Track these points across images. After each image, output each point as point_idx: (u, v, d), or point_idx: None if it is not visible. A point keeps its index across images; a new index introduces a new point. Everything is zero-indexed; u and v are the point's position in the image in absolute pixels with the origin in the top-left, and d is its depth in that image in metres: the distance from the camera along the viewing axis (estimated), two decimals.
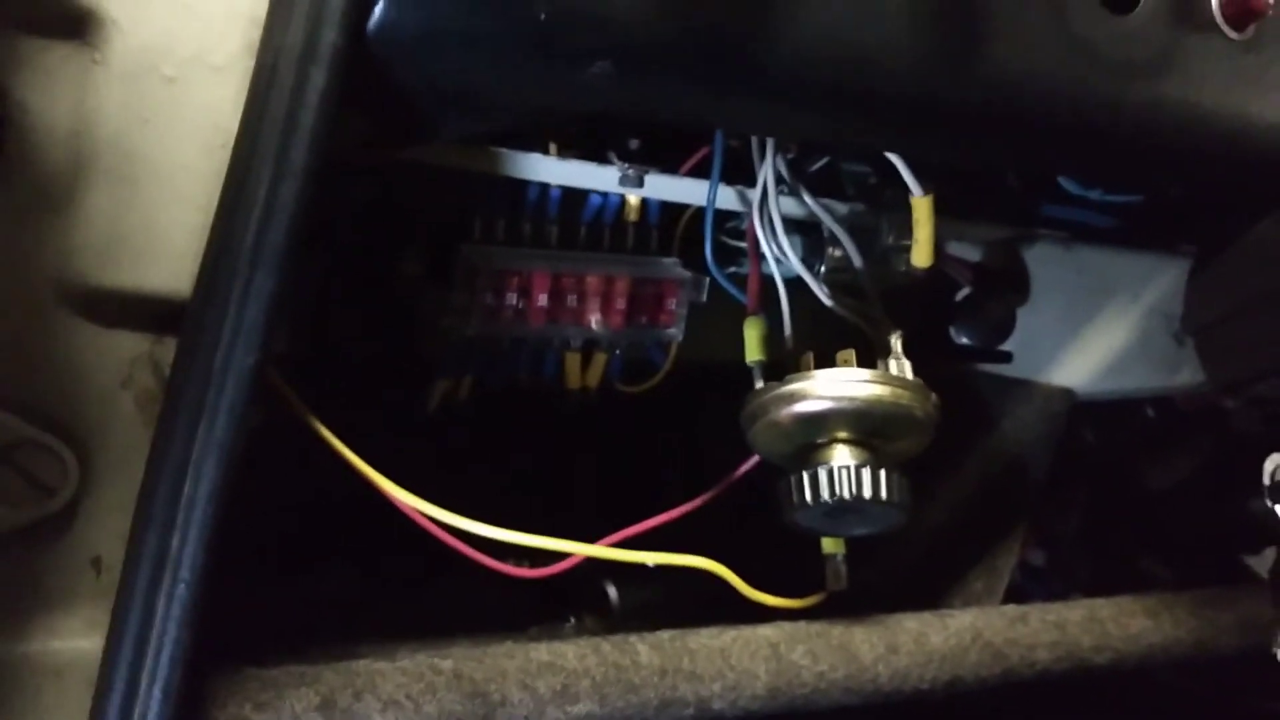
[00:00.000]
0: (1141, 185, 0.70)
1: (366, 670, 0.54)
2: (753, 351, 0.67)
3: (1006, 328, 0.87)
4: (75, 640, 0.47)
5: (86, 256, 0.45)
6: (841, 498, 0.61)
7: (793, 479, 0.63)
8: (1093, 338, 0.83)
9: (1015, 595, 0.88)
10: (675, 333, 0.74)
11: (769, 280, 0.69)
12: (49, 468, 0.45)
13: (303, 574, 0.58)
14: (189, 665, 0.46)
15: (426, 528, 0.58)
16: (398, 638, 0.61)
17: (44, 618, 0.47)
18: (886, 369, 0.64)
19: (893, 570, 0.84)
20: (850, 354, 0.64)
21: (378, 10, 0.44)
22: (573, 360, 0.74)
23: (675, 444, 0.77)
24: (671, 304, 0.74)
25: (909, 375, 0.64)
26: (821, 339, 0.66)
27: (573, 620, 0.74)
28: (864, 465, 0.62)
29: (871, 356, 0.65)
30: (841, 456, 0.63)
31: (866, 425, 0.63)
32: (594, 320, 0.72)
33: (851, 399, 0.62)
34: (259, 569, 0.54)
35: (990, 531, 0.88)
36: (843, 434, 0.63)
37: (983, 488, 0.88)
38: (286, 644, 0.55)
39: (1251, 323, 0.73)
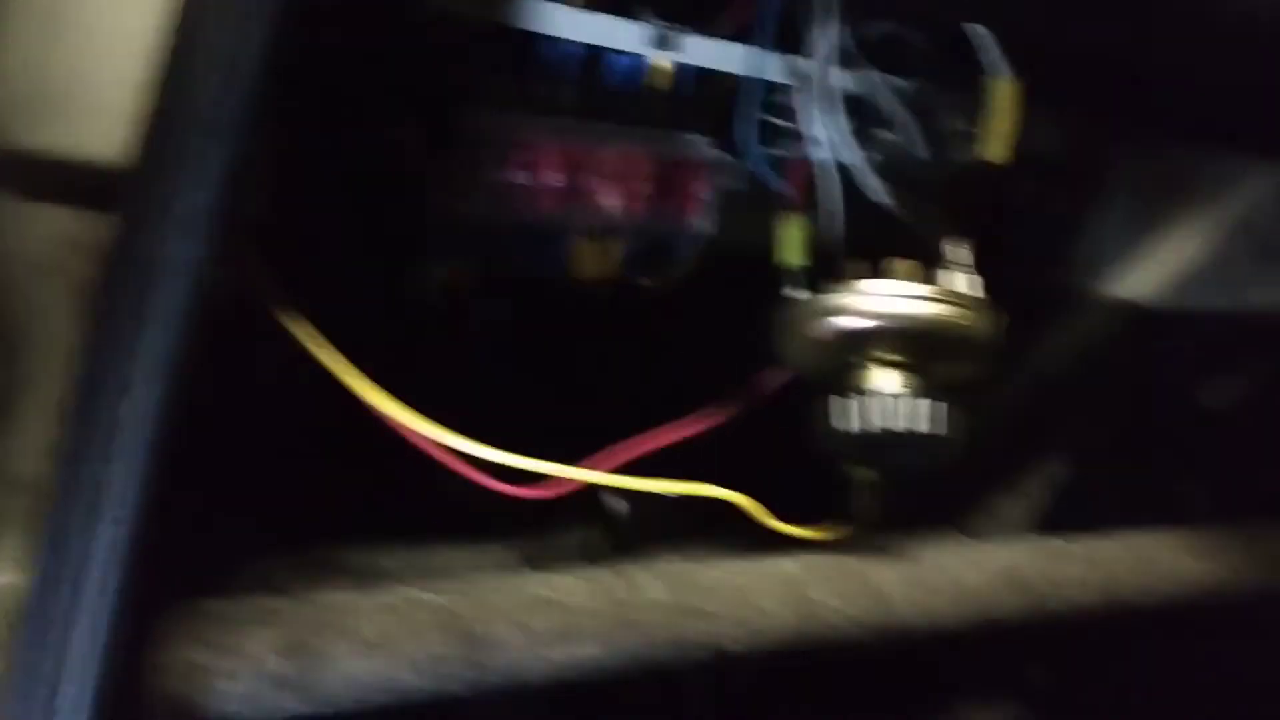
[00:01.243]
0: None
1: (340, 605, 0.47)
2: (790, 253, 0.59)
3: (1068, 230, 0.78)
4: (3, 574, 0.40)
5: (9, 109, 0.36)
6: (889, 429, 0.53)
7: (832, 402, 0.55)
8: (1162, 247, 0.75)
9: (1044, 517, 0.82)
10: (704, 224, 0.65)
11: (815, 169, 0.60)
12: None
13: (272, 493, 0.51)
14: (127, 602, 0.39)
15: (415, 442, 0.51)
16: (378, 566, 0.54)
17: None
18: (946, 283, 0.56)
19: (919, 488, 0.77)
20: (906, 264, 0.55)
21: None
22: (585, 248, 0.65)
23: (699, 349, 0.69)
24: (701, 190, 0.64)
25: (972, 291, 0.56)
26: (874, 243, 0.58)
27: (577, 537, 0.67)
28: (914, 394, 0.54)
29: (932, 265, 0.57)
30: (888, 382, 0.55)
31: (918, 346, 0.55)
32: (610, 204, 0.63)
33: (901, 316, 0.54)
34: (219, 485, 0.46)
35: (1027, 451, 0.81)
36: (890, 355, 0.55)
37: (1024, 404, 0.81)
38: (249, 573, 0.47)
39: None
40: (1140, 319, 0.77)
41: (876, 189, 0.59)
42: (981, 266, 0.65)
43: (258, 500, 0.50)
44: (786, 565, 0.59)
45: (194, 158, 0.35)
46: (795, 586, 0.58)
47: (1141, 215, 0.75)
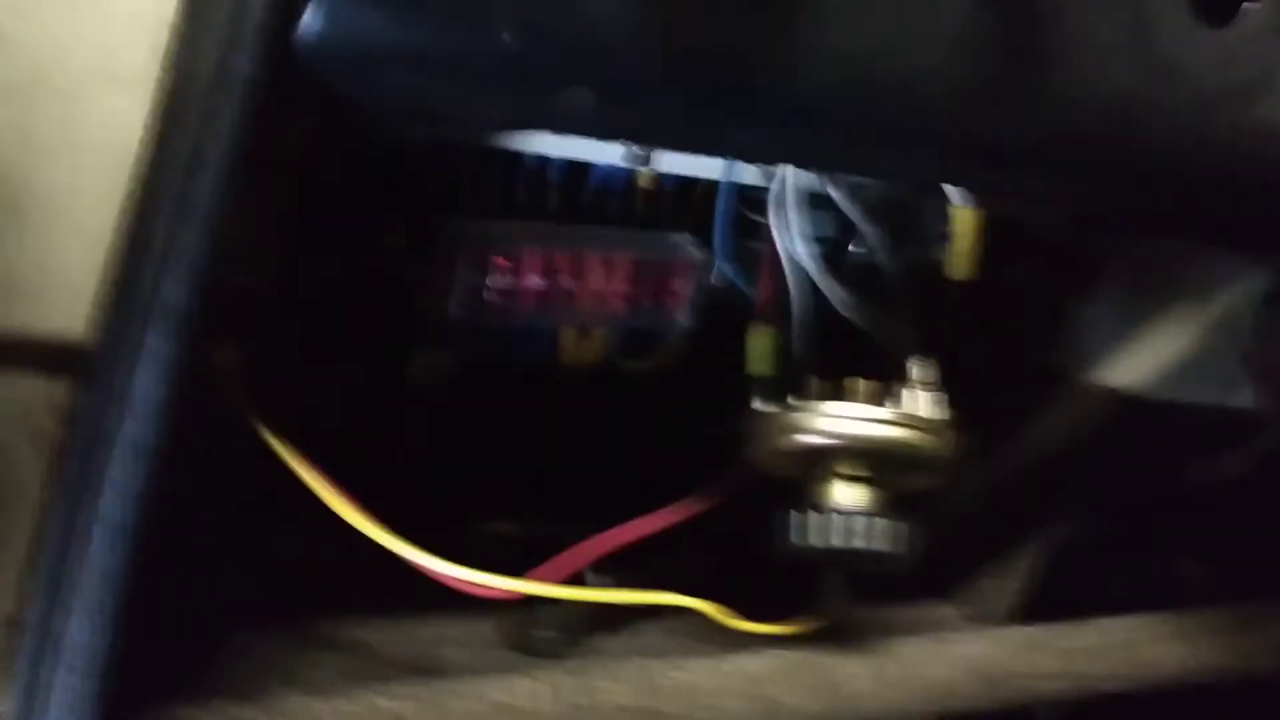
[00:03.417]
0: (1226, 228, 0.60)
1: (299, 710, 0.51)
2: (754, 363, 0.60)
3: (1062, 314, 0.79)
4: None
5: None
6: (837, 548, 0.55)
7: (790, 517, 0.57)
8: (1148, 340, 0.75)
9: (1044, 594, 0.83)
10: (683, 319, 0.67)
11: (786, 277, 0.62)
12: None
13: (234, 588, 0.54)
14: None
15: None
16: (343, 661, 0.57)
17: None
18: (909, 402, 0.57)
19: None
20: (859, 383, 0.57)
21: (301, 29, 0.36)
22: (569, 336, 0.67)
23: (682, 434, 0.71)
24: (680, 286, 0.66)
25: (933, 411, 0.57)
26: (842, 353, 0.59)
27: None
28: (867, 511, 0.56)
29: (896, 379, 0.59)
30: (843, 496, 0.57)
31: (875, 463, 0.57)
32: (594, 304, 0.65)
33: (860, 438, 0.55)
34: (178, 588, 0.49)
35: (1016, 528, 0.82)
36: (847, 470, 0.57)
37: (1015, 482, 0.82)
38: (213, 674, 0.51)
39: None
40: (1129, 407, 0.78)
41: (842, 300, 0.61)
42: (976, 345, 0.66)
43: (217, 592, 0.53)
44: (749, 664, 0.61)
45: (145, 350, 0.37)
46: (757, 685, 0.60)
47: (1132, 305, 0.76)
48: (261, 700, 0.50)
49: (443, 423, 0.68)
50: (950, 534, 0.76)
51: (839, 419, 0.55)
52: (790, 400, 0.57)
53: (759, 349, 0.60)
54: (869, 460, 0.56)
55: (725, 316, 0.65)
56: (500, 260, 0.62)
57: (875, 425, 0.55)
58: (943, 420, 0.57)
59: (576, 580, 0.67)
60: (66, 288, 0.40)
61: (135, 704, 0.46)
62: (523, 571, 0.58)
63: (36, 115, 0.38)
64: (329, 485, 0.53)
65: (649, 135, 0.46)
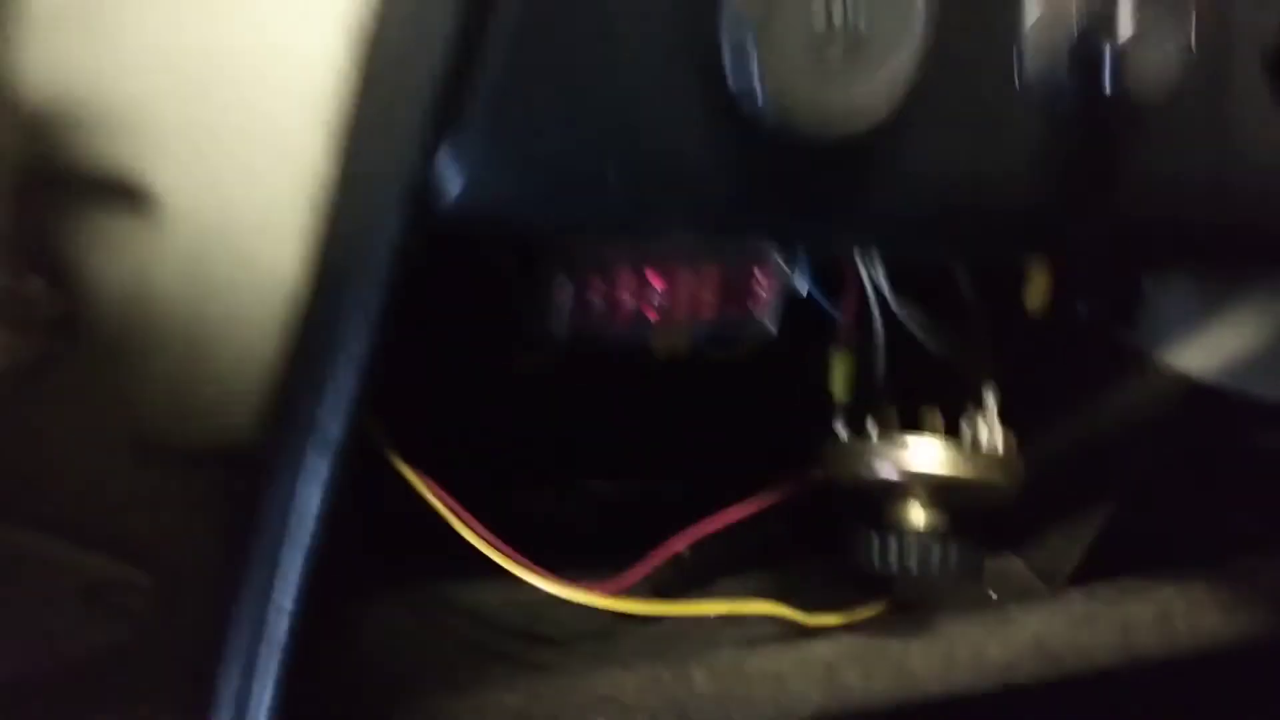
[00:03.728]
0: None
1: (436, 712, 0.59)
2: (835, 384, 0.65)
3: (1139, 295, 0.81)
4: None
5: (159, 416, 0.45)
6: (907, 568, 0.61)
7: (861, 536, 0.62)
8: (1224, 330, 0.77)
9: (1102, 560, 0.87)
10: (767, 324, 0.71)
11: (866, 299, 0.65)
12: (134, 599, 0.48)
13: (368, 599, 0.62)
14: None
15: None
16: (465, 663, 0.65)
17: None
18: (974, 435, 0.62)
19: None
20: (934, 417, 0.61)
21: (442, 198, 0.41)
22: (661, 334, 0.72)
23: (764, 423, 0.76)
24: (764, 293, 0.70)
25: (997, 444, 0.62)
26: (916, 379, 0.63)
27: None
28: (933, 537, 0.61)
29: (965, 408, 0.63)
30: (914, 518, 0.62)
31: (942, 493, 0.62)
32: (684, 312, 0.70)
33: (928, 475, 0.60)
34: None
35: (1080, 490, 0.86)
36: (919, 496, 0.62)
37: (1078, 448, 0.86)
38: (359, 679, 0.59)
39: None
40: (1197, 392, 0.80)
41: (920, 326, 0.64)
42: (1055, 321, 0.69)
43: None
44: (821, 649, 0.68)
45: (305, 469, 0.44)
46: (828, 670, 0.67)
47: (1212, 294, 0.78)
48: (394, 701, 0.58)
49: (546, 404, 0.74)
50: (1023, 494, 0.81)
51: (913, 455, 0.60)
52: (869, 427, 0.62)
53: (840, 372, 0.65)
54: (938, 492, 0.61)
55: (810, 319, 0.70)
56: (597, 280, 0.67)
57: (946, 463, 0.60)
58: (1010, 453, 0.61)
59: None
60: (245, 408, 0.46)
61: None
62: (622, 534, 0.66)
63: (209, 266, 0.43)
64: (455, 510, 0.59)
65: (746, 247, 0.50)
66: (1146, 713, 0.85)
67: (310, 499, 0.44)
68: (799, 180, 0.42)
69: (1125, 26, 0.41)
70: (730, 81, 0.39)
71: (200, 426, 0.46)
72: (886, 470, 0.61)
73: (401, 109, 0.40)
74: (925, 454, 0.60)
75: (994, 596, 0.80)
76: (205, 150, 0.41)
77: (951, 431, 0.62)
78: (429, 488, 0.60)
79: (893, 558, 0.61)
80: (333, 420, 0.43)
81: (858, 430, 0.63)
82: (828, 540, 0.69)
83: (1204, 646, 0.79)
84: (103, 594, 0.48)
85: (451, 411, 0.73)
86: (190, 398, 0.45)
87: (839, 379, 0.65)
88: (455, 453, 0.60)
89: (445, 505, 0.60)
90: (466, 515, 0.61)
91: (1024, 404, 0.65)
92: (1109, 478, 0.87)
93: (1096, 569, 0.87)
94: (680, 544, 0.69)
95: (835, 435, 0.64)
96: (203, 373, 0.45)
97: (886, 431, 0.62)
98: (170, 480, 0.48)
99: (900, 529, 0.62)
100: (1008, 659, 0.72)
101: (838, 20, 0.38)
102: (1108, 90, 0.42)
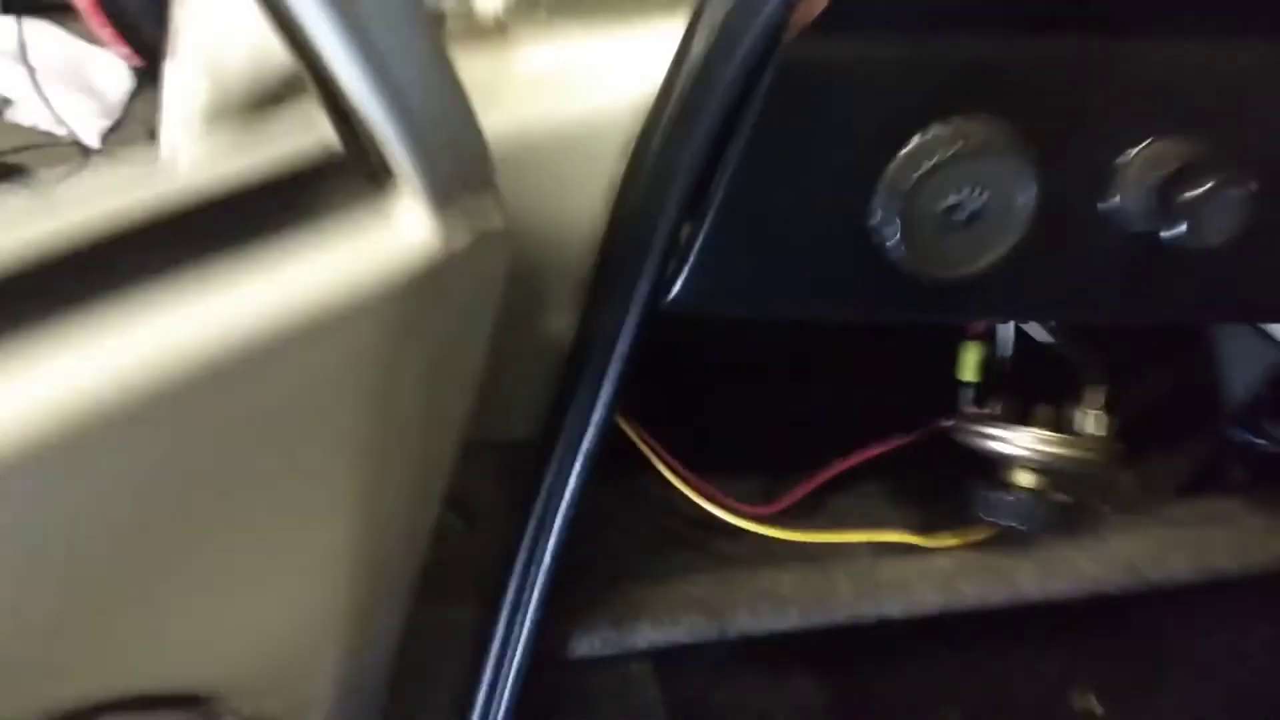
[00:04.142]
0: None
1: (641, 595, 0.80)
2: (966, 371, 0.79)
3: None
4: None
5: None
6: (1013, 525, 0.77)
7: (981, 495, 0.79)
8: None
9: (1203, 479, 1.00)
10: None
11: None
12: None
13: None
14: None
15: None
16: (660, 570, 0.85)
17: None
18: (1082, 423, 0.76)
19: None
20: (1048, 412, 0.76)
21: (670, 301, 0.57)
22: None
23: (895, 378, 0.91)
24: None
25: (1101, 432, 0.76)
26: (1034, 369, 0.78)
27: None
28: (1035, 498, 0.77)
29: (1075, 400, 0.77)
30: (1021, 480, 0.78)
31: (1046, 464, 0.77)
32: None
33: (1037, 456, 0.75)
34: None
35: (1180, 424, 0.98)
36: (1026, 465, 0.78)
37: (1183, 392, 0.97)
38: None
39: None
40: None
41: (1040, 330, 0.78)
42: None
43: None
44: (942, 563, 0.86)
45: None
46: (945, 579, 0.86)
47: None
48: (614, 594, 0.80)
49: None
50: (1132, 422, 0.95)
51: (1024, 437, 0.75)
52: (990, 409, 0.77)
53: (970, 361, 0.79)
54: (1047, 470, 0.77)
55: None
56: None
57: (1054, 448, 0.75)
58: (1108, 439, 0.76)
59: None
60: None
61: None
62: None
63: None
64: (649, 444, 0.78)
65: None
66: (1220, 624, 1.00)
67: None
68: (927, 299, 0.57)
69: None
70: (876, 235, 0.54)
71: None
72: (1003, 446, 0.76)
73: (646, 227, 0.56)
74: (1034, 438, 0.75)
75: (1107, 510, 0.95)
76: None
77: (1061, 415, 0.77)
78: (635, 431, 0.79)
79: (1000, 512, 0.77)
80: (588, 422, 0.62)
81: (981, 407, 0.78)
82: (950, 481, 0.85)
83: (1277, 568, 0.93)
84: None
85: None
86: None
87: (970, 363, 0.79)
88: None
89: (644, 442, 0.78)
90: (660, 449, 0.79)
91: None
92: (1209, 419, 0.99)
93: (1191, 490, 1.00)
94: (827, 475, 0.87)
95: (962, 411, 0.79)
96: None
97: (1007, 411, 0.77)
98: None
99: (1008, 488, 0.78)
100: (1096, 574, 0.89)
101: (964, 203, 0.52)
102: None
